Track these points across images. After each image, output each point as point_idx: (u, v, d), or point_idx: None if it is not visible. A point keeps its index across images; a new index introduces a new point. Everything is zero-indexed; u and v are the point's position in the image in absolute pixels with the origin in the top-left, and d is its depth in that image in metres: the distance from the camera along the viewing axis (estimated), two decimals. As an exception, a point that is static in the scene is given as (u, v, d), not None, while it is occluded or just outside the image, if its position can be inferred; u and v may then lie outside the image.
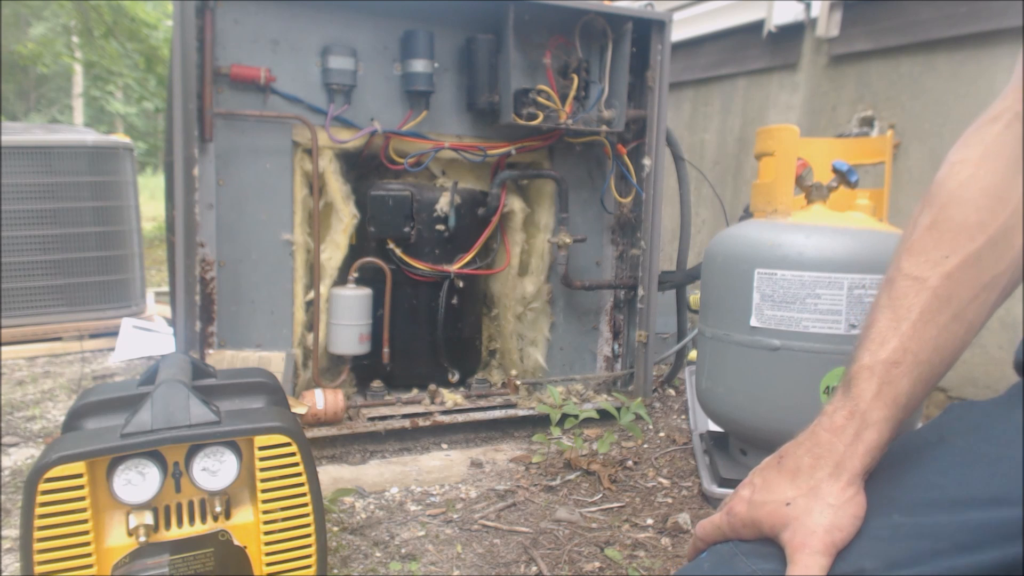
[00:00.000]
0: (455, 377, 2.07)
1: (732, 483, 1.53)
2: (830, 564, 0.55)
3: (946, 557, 0.52)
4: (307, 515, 0.98)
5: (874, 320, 0.62)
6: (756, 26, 3.08)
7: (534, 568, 1.29)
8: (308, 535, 0.98)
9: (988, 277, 0.60)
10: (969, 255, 0.59)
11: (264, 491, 0.96)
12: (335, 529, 1.41)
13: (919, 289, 0.60)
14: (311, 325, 1.92)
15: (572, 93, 2.01)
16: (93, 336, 2.84)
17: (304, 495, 0.97)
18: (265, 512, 0.96)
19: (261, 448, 0.95)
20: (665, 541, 1.40)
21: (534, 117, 1.94)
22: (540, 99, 1.95)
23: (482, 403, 2.01)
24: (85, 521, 0.87)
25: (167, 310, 3.13)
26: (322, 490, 1.01)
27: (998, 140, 0.61)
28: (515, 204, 2.12)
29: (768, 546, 0.59)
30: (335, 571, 1.27)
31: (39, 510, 0.86)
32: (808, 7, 2.79)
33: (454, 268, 2.01)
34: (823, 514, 0.56)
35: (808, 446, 0.61)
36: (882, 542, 0.54)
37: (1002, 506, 0.51)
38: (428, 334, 2.03)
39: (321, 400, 1.77)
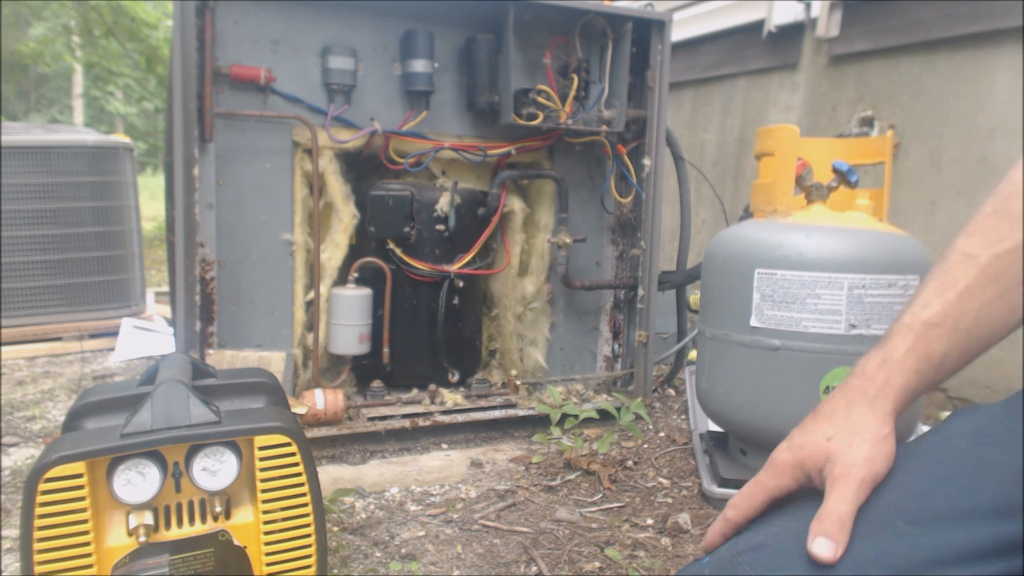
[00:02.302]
0: (455, 377, 2.07)
1: (732, 483, 1.53)
2: (866, 496, 0.58)
3: (951, 566, 0.52)
4: (307, 515, 0.98)
5: (922, 289, 0.65)
6: (756, 26, 3.08)
7: (534, 568, 1.29)
8: (308, 535, 0.98)
9: None
10: (1022, 243, 0.62)
11: (264, 491, 0.96)
12: (335, 529, 1.41)
13: (969, 265, 0.63)
14: (311, 325, 1.92)
15: (572, 93, 2.01)
16: (93, 336, 2.84)
17: (304, 495, 0.97)
18: (265, 512, 0.96)
19: (261, 448, 0.95)
20: (665, 541, 1.40)
21: (534, 117, 1.94)
22: (540, 99, 1.95)
23: (482, 403, 2.01)
24: (85, 521, 0.87)
25: (167, 310, 3.13)
26: (322, 490, 1.01)
27: None
28: (515, 204, 2.12)
29: (764, 535, 0.60)
30: (335, 571, 1.27)
31: (39, 510, 0.86)
32: (808, 7, 2.79)
33: (454, 268, 2.01)
34: (861, 447, 0.59)
35: (842, 392, 0.64)
36: (888, 552, 0.54)
37: (1007, 519, 0.51)
38: (428, 334, 2.03)
39: (321, 400, 1.77)
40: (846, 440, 0.60)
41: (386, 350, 1.99)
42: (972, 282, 0.62)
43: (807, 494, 0.63)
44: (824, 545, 0.55)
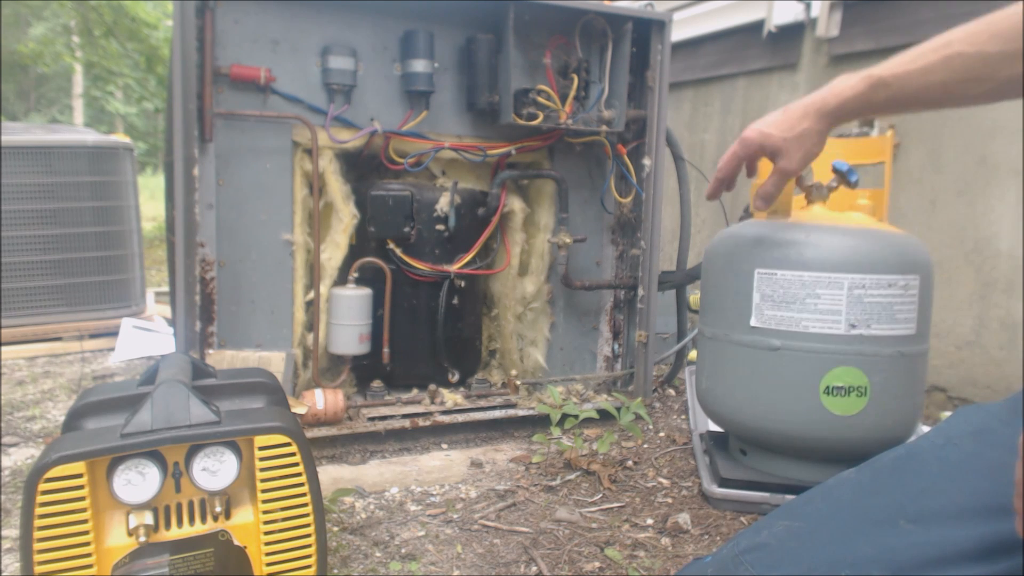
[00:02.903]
0: (455, 377, 2.07)
1: (732, 483, 1.53)
2: (789, 181, 1.12)
3: (953, 566, 0.52)
4: (307, 515, 0.98)
5: (902, 53, 0.84)
6: (756, 26, 3.08)
7: (534, 568, 1.29)
8: (308, 535, 0.98)
9: (984, 75, 0.78)
10: (986, 53, 0.77)
11: (264, 491, 0.96)
12: (335, 529, 1.41)
13: (941, 50, 0.80)
14: (311, 325, 1.92)
15: (572, 93, 2.01)
16: (93, 336, 2.84)
17: (304, 495, 0.97)
18: (265, 512, 0.96)
19: (261, 448, 0.95)
20: (665, 541, 1.40)
21: (534, 117, 1.94)
22: (540, 99, 1.95)
23: (482, 403, 2.01)
24: (85, 521, 0.87)
25: (167, 310, 3.13)
26: (322, 490, 1.01)
27: None
28: (515, 204, 2.11)
29: (767, 534, 0.61)
30: (335, 571, 1.27)
31: (39, 510, 0.86)
32: (808, 7, 2.79)
33: (454, 268, 2.01)
34: (801, 150, 1.04)
35: (803, 105, 1.00)
36: (889, 550, 0.54)
37: (1007, 517, 0.51)
38: (428, 334, 2.03)
39: (321, 400, 1.77)
40: (794, 143, 1.02)
41: (386, 350, 1.99)
42: (932, 64, 0.80)
43: (807, 498, 0.63)
44: (758, 204, 1.17)
